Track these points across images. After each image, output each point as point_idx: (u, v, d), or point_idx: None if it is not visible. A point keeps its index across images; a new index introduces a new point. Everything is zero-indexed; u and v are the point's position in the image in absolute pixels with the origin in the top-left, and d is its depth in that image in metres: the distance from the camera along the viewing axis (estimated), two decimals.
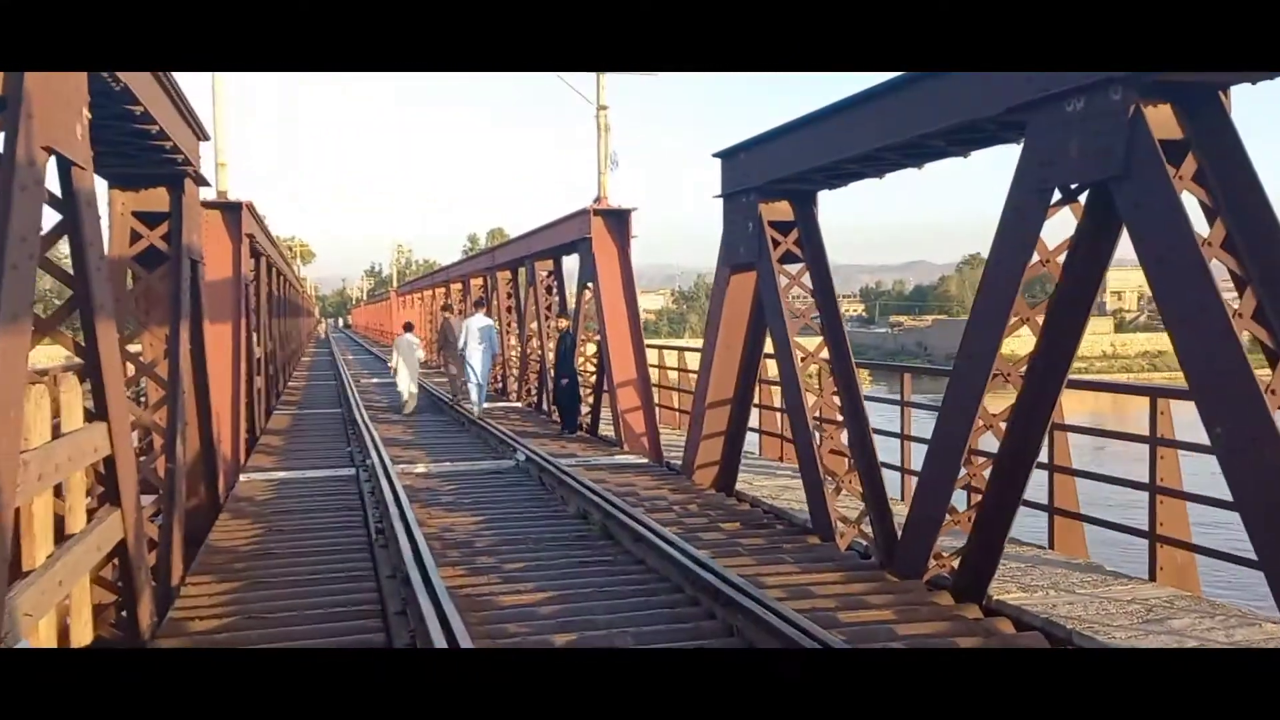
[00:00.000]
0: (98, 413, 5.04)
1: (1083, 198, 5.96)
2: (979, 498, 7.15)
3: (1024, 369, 6.45)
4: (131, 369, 8.09)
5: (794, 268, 9.36)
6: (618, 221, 14.94)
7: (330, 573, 7.17)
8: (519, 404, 20.76)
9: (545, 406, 18.66)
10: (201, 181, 8.86)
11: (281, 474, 11.69)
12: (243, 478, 11.45)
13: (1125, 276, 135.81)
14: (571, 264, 17.71)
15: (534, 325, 20.18)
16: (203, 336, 9.15)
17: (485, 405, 17.53)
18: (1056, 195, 5.91)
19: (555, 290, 19.32)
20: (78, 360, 4.95)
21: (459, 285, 31.66)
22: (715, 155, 10.02)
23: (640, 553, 7.50)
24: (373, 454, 12.01)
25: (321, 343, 58.15)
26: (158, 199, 8.13)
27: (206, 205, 13.24)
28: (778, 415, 14.03)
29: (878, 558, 7.99)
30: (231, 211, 13.43)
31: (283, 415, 18.79)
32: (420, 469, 11.95)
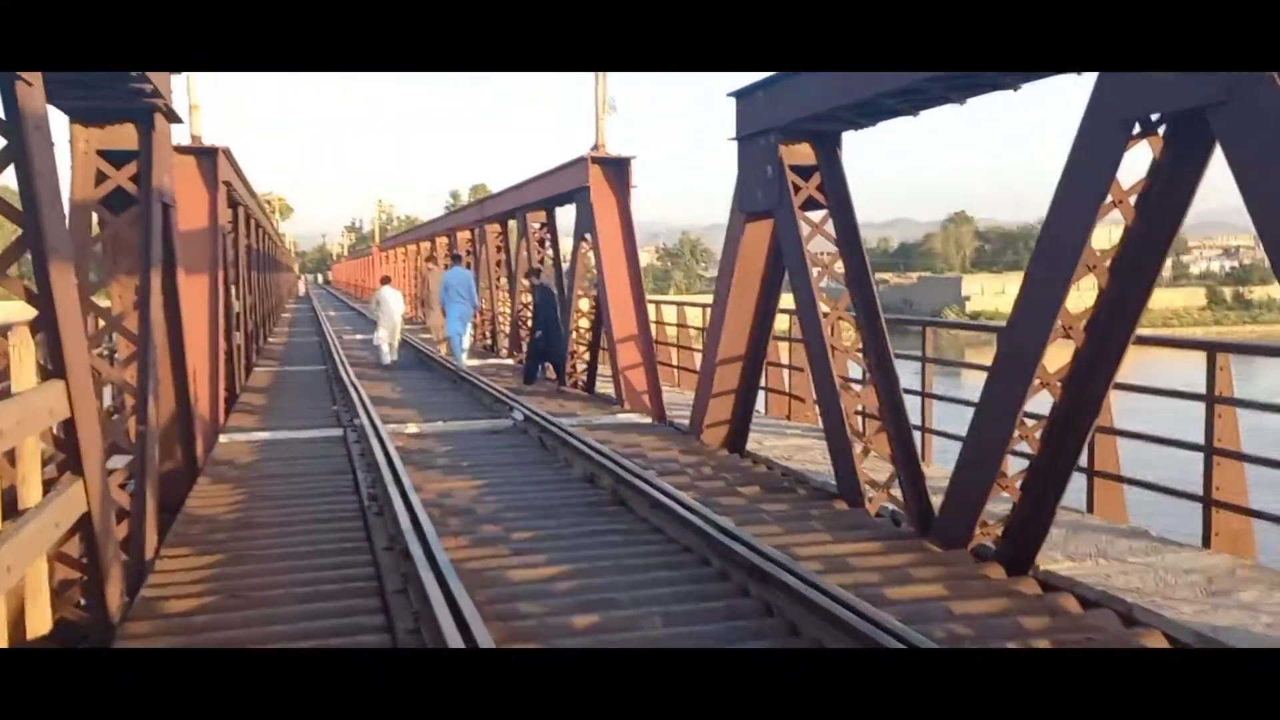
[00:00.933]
0: (54, 370, 4.38)
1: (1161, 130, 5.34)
2: (1026, 462, 6.60)
3: (1084, 322, 5.88)
4: (100, 323, 7.42)
5: (816, 215, 8.71)
6: (617, 170, 14.22)
7: (320, 544, 6.56)
8: (510, 361, 20.12)
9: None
10: (174, 118, 8.10)
11: (264, 435, 11.03)
12: (222, 439, 10.79)
13: (1109, 234, 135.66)
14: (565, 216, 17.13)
15: (525, 280, 19.49)
16: (176, 288, 8.43)
17: (474, 362, 17.27)
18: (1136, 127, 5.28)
19: (549, 243, 18.61)
20: (30, 311, 4.27)
21: (445, 239, 30.83)
22: (731, 95, 9.31)
23: (658, 520, 6.92)
24: (361, 413, 11.37)
25: (302, 299, 57.23)
26: (125, 136, 7.38)
27: (180, 150, 12.43)
28: (785, 372, 13.49)
29: (910, 524, 7.46)
30: (207, 157, 12.64)
31: (264, 372, 18.09)
32: (412, 429, 11.33)
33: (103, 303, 10.77)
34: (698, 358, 17.12)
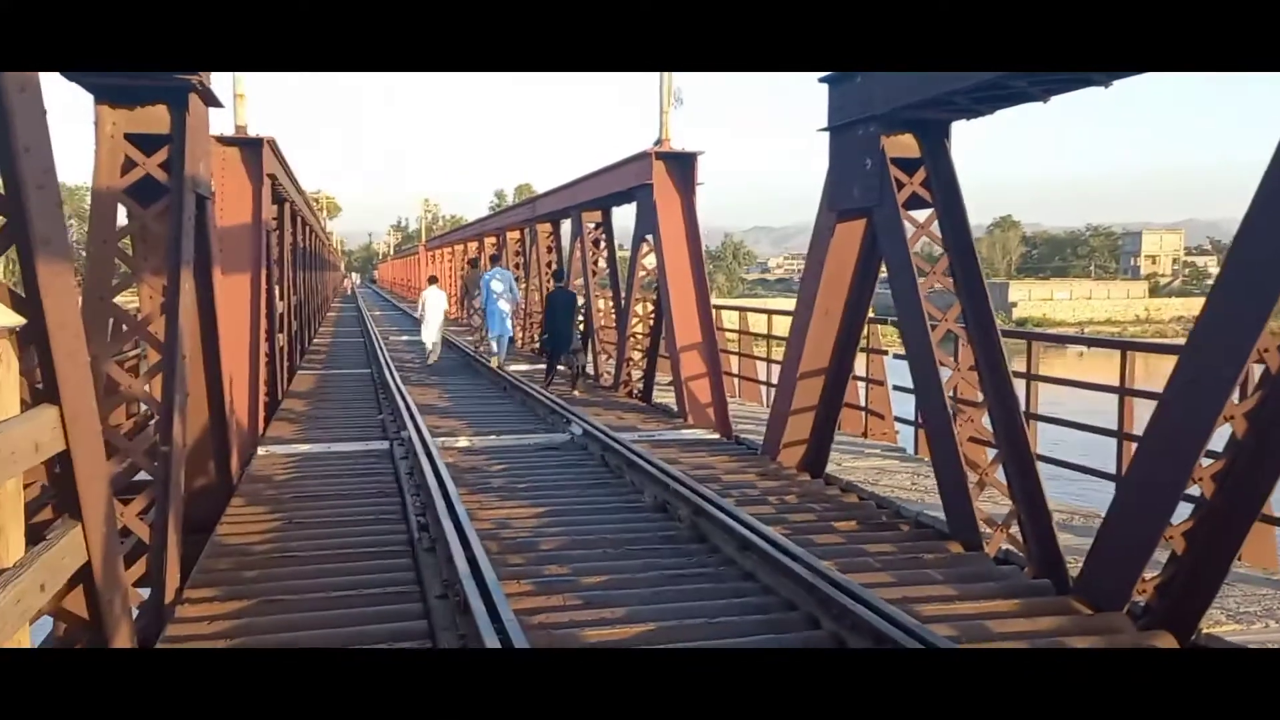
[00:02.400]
0: (45, 392, 3.56)
1: None
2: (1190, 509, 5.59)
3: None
4: (124, 327, 6.66)
5: (920, 214, 7.76)
6: (681, 166, 13.32)
7: (364, 586, 5.71)
8: (560, 365, 19.26)
9: (595, 370, 17.17)
10: (212, 101, 7.34)
11: (305, 447, 10.26)
12: (261, 451, 10.04)
13: (1160, 239, 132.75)
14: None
15: (578, 282, 18.67)
16: (212, 288, 7.68)
17: (524, 367, 16.63)
18: None
19: (604, 244, 17.75)
20: (14, 319, 3.44)
21: (493, 239, 30.11)
22: (822, 80, 8.37)
23: (748, 563, 6.01)
24: (408, 424, 10.57)
25: (348, 298, 57.02)
26: (156, 119, 6.61)
27: (224, 141, 11.77)
28: (859, 385, 12.51)
29: (1032, 569, 6.48)
30: (251, 148, 11.94)
31: (307, 375, 17.41)
32: (463, 443, 10.50)
33: (131, 303, 10.10)
34: (761, 367, 16.29)
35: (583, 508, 7.66)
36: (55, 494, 3.84)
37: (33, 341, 3.47)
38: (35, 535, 3.77)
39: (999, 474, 7.05)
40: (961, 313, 7.42)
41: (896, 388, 11.75)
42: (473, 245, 35.27)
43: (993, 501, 7.39)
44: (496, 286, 17.90)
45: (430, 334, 19.35)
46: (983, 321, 7.26)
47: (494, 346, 17.89)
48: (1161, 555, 5.42)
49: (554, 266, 21.79)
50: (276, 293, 14.01)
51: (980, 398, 7.19)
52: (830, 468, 9.53)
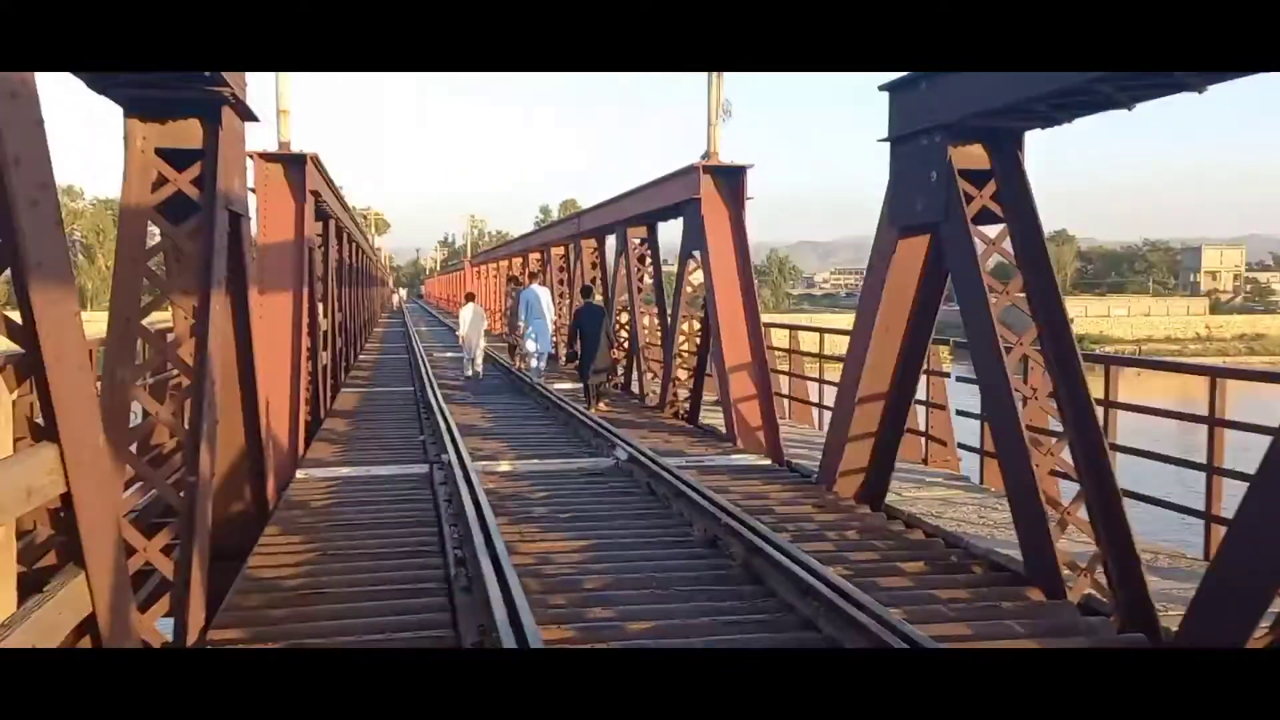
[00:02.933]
0: (44, 430, 3.23)
1: None
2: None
3: None
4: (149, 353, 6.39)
5: (990, 230, 7.29)
6: (731, 180, 12.91)
7: (396, 629, 5.34)
8: (612, 386, 18.92)
9: (640, 389, 16.79)
10: (247, 115, 7.08)
11: (344, 471, 9.97)
12: (299, 474, 9.76)
13: (1220, 255, 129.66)
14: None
15: (623, 298, 18.34)
16: (248, 309, 7.41)
17: (568, 386, 16.38)
18: None
19: (649, 259, 17.39)
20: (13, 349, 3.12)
21: (538, 255, 29.91)
22: (882, 88, 7.93)
23: (808, 609, 5.54)
24: (449, 447, 10.24)
25: (395, 314, 57.25)
26: (188, 133, 6.36)
27: (266, 157, 11.59)
28: (919, 409, 11.97)
29: (1119, 620, 5.95)
30: (294, 165, 11.74)
31: (351, 394, 17.21)
32: (504, 467, 10.15)
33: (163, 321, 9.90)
34: (812, 387, 15.79)
35: (629, 541, 7.25)
36: (58, 538, 3.51)
37: (30, 374, 3.14)
38: (40, 582, 3.45)
39: (1080, 511, 6.54)
40: (1038, 336, 6.93)
41: (960, 412, 11.21)
42: (517, 261, 35.15)
43: (1069, 539, 6.85)
44: (535, 303, 18.13)
45: (470, 350, 19.74)
46: (1062, 345, 6.77)
47: (532, 362, 18.10)
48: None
49: (595, 282, 21.52)
50: (320, 310, 13.82)
51: (1049, 423, 6.69)
52: (890, 498, 9.04)
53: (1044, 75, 5.95)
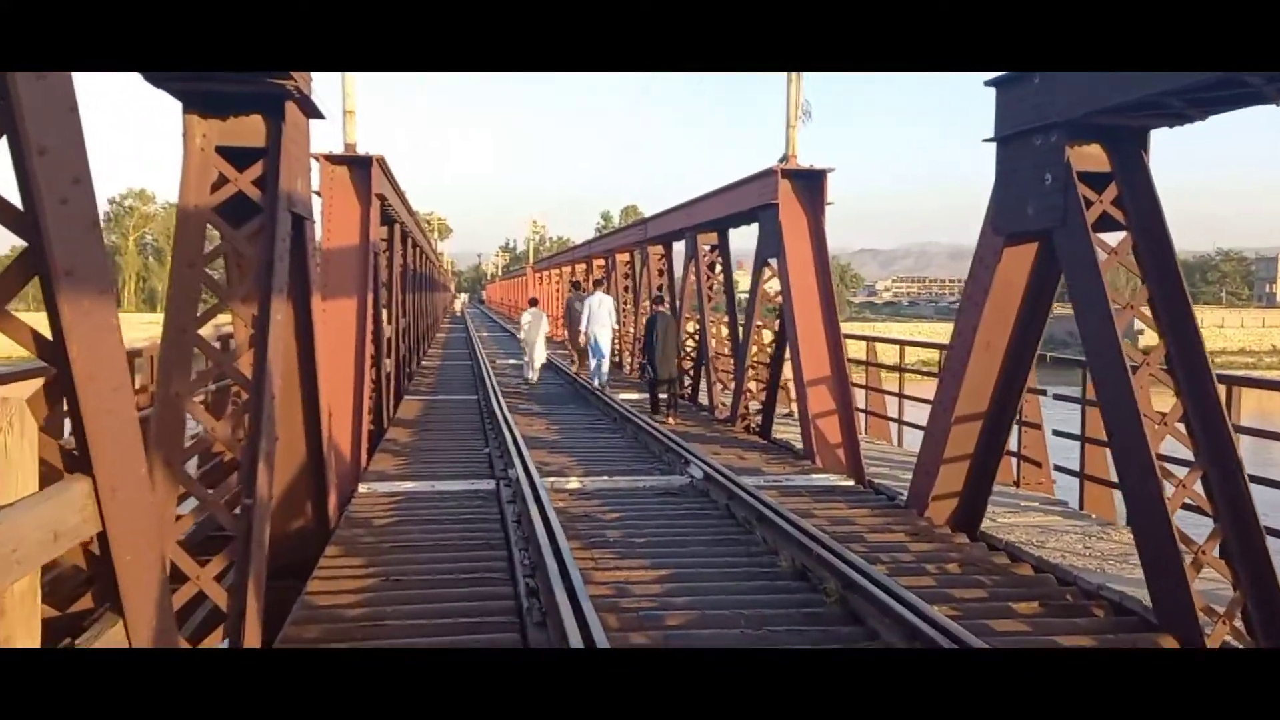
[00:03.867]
0: (76, 461, 2.82)
1: None
2: None
3: None
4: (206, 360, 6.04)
5: (1110, 238, 6.65)
6: (809, 185, 12.36)
7: None
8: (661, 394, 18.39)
9: (709, 401, 16.25)
10: (312, 111, 6.73)
11: (408, 485, 9.58)
12: (362, 488, 9.40)
13: None
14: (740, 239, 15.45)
15: (692, 305, 17.85)
16: (311, 316, 7.04)
17: (634, 396, 16.14)
18: None
19: (720, 267, 16.85)
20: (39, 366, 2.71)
21: (601, 261, 29.53)
22: (989, 84, 7.33)
23: None
24: (516, 462, 9.82)
25: (456, 319, 57.40)
26: (250, 130, 6.00)
27: (332, 159, 11.31)
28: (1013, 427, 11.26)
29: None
30: (359, 167, 11.44)
31: (413, 402, 16.93)
32: (573, 484, 9.69)
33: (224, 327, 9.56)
34: (890, 402, 15.12)
35: (711, 571, 6.72)
36: (93, 580, 3.10)
37: (62, 396, 2.73)
38: (74, 628, 3.05)
39: (1214, 549, 5.88)
40: (1166, 355, 6.27)
41: (1057, 433, 10.51)
42: (580, 267, 34.83)
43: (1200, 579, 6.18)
44: (598, 310, 18.17)
45: (531, 355, 19.73)
46: (1193, 365, 6.12)
47: (592, 366, 18.25)
48: None
49: (663, 289, 21.05)
50: (384, 316, 13.54)
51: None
52: (985, 523, 8.41)
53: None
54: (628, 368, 22.73)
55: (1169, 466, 6.16)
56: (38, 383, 2.91)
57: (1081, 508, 9.95)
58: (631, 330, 22.94)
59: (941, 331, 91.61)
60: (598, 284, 23.07)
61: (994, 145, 7.41)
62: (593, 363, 18.29)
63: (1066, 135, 6.51)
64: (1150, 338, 6.49)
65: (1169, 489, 5.87)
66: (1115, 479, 9.82)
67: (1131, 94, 5.83)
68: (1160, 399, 6.24)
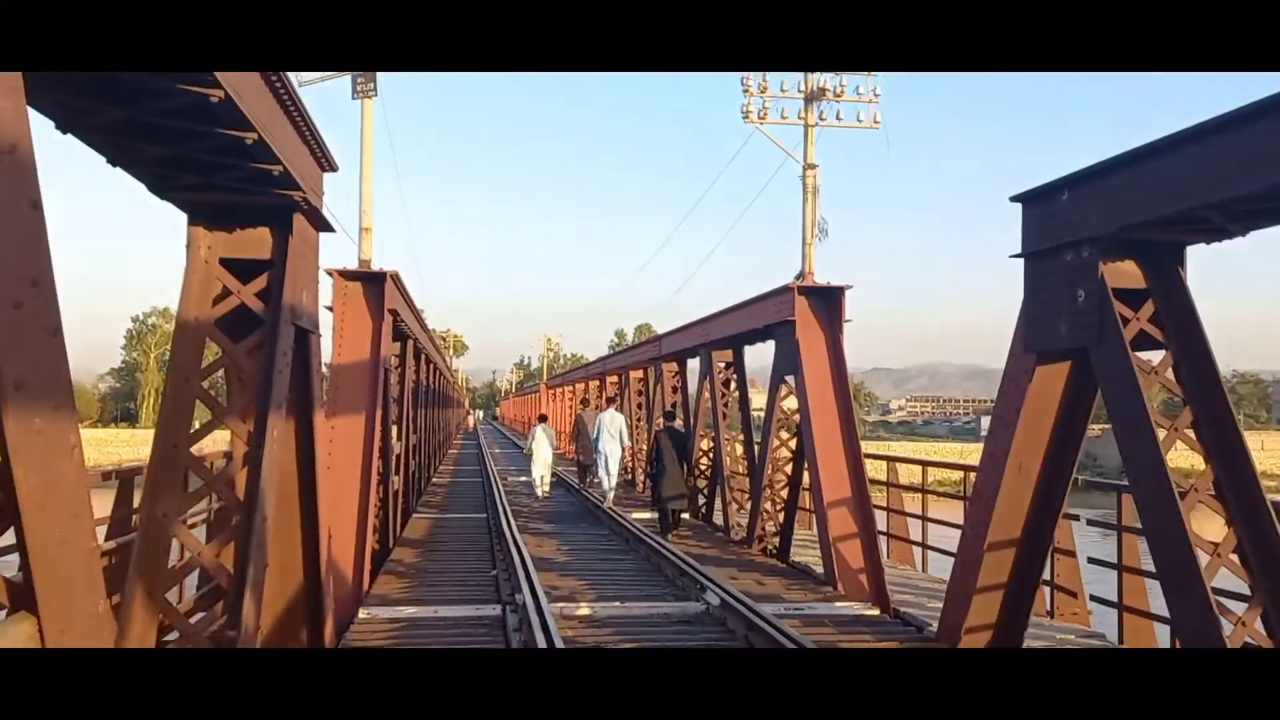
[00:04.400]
0: (19, 596, 2.49)
1: None
2: None
3: None
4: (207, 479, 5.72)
5: (1147, 356, 6.37)
6: (827, 302, 12.18)
7: None
8: (685, 515, 17.92)
9: (725, 521, 15.76)
10: (321, 224, 6.58)
11: (410, 611, 9.13)
12: (362, 613, 8.96)
13: None
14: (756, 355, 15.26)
15: (706, 424, 17.52)
16: (313, 433, 6.75)
17: (645, 515, 16.28)
18: None
19: (735, 384, 16.58)
20: None
21: (615, 378, 29.36)
22: (1015, 199, 7.16)
23: None
24: (524, 585, 9.39)
25: (469, 434, 57.14)
26: (256, 242, 5.83)
27: (345, 275, 11.22)
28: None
29: None
30: (373, 283, 11.33)
31: (422, 519, 16.51)
32: (583, 610, 9.22)
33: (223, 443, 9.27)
34: (912, 524, 14.60)
35: None
36: None
37: (8, 526, 2.42)
38: None
39: None
40: (1214, 480, 5.90)
41: (1092, 560, 10.02)
42: (594, 383, 34.69)
43: None
44: (609, 427, 18.46)
45: (539, 469, 20.24)
46: (1246, 491, 5.75)
47: (603, 485, 18.33)
48: None
49: (677, 406, 20.82)
50: (394, 433, 13.27)
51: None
52: None
53: (1237, 176, 5.14)
54: (640, 486, 22.37)
55: (1224, 601, 5.73)
56: None
57: (1121, 641, 9.40)
58: (645, 448, 22.70)
59: (956, 451, 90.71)
60: (610, 401, 23.47)
61: (1020, 261, 7.19)
62: (601, 479, 18.40)
63: (1100, 251, 6.30)
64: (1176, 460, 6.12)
65: (1228, 627, 5.42)
66: (1156, 610, 9.38)
67: (1168, 207, 5.63)
68: (1201, 522, 5.86)
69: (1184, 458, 6.74)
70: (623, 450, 19.36)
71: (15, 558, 5.94)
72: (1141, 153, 5.85)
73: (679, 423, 17.32)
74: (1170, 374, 6.27)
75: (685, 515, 16.48)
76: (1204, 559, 5.60)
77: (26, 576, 2.49)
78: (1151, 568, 9.30)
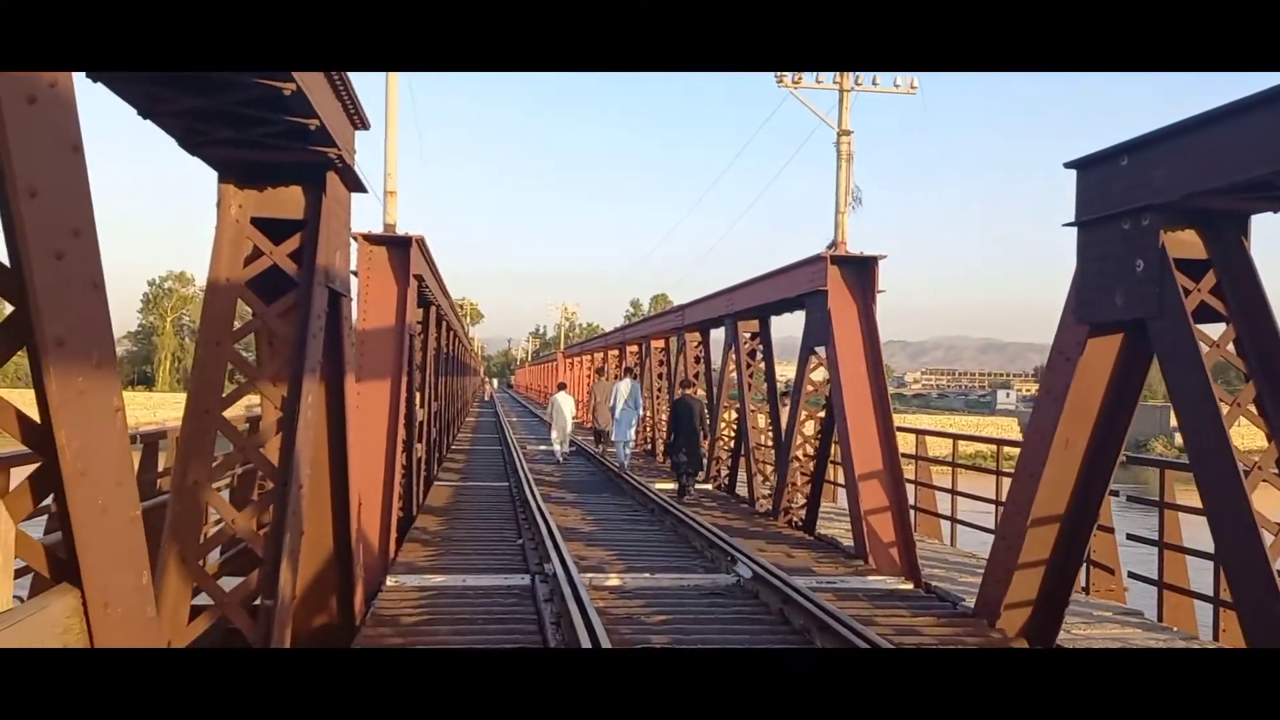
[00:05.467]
0: (63, 567, 2.34)
1: None
2: None
3: None
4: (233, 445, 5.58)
5: (1209, 329, 6.14)
6: (860, 271, 11.94)
7: None
8: (709, 485, 17.83)
9: (750, 492, 15.62)
10: (355, 184, 6.39)
11: (438, 579, 9.01)
12: (390, 580, 8.85)
13: None
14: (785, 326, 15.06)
15: (731, 393, 17.35)
16: (344, 398, 6.61)
17: (669, 486, 16.41)
18: None
19: (762, 354, 16.38)
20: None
21: (635, 347, 29.17)
22: (1070, 165, 6.91)
23: None
24: (552, 555, 9.28)
25: (485, 403, 57.14)
26: (289, 201, 5.65)
27: (370, 239, 11.04)
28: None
29: None
30: (398, 248, 11.15)
31: (444, 487, 16.42)
32: (613, 581, 9.09)
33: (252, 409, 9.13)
34: (942, 499, 14.43)
35: None
36: None
37: (49, 493, 2.26)
38: None
39: None
40: (1278, 458, 5.69)
41: (1131, 537, 9.83)
42: (613, 353, 34.52)
43: None
44: (624, 396, 19.25)
45: (559, 435, 21.38)
46: None
47: (618, 451, 19.24)
48: None
49: (699, 376, 20.69)
50: (417, 400, 13.14)
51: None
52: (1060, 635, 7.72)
53: None
54: (660, 457, 22.38)
55: None
56: (26, 470, 2.46)
57: (1160, 620, 9.22)
58: (664, 418, 22.73)
59: (972, 424, 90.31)
60: (628, 371, 24.23)
61: (1076, 230, 6.95)
62: (618, 446, 19.23)
63: (1160, 219, 6.05)
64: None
65: None
66: (1195, 588, 9.20)
67: (1238, 174, 5.38)
68: (1261, 500, 5.66)
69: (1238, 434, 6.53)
70: (638, 418, 20.03)
71: (39, 522, 5.84)
72: (1209, 117, 5.59)
73: (694, 391, 17.69)
74: (1232, 347, 6.04)
75: (701, 481, 17.07)
76: (1268, 539, 5.40)
77: (69, 547, 2.34)
78: (1191, 545, 9.16)
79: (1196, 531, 7.99)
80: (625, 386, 19.53)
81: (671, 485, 16.91)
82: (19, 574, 3.67)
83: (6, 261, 2.15)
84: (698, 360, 21.03)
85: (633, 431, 19.57)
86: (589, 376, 40.27)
